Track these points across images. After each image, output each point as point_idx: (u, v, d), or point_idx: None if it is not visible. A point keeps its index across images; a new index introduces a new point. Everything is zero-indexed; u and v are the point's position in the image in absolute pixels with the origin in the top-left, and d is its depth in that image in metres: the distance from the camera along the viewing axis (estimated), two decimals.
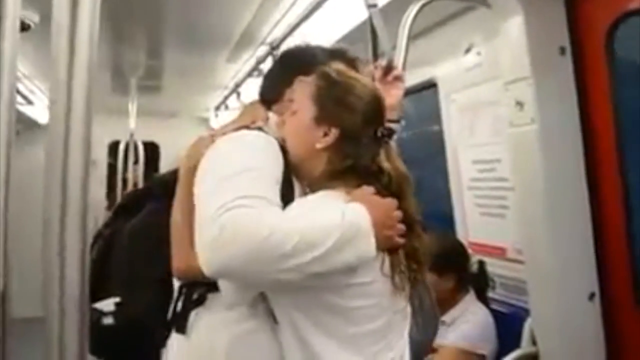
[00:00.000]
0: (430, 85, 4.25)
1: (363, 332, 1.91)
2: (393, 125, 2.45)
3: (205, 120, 9.13)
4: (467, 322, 3.71)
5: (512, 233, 3.57)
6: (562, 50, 2.82)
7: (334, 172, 1.97)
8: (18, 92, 6.61)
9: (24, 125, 7.85)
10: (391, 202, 1.92)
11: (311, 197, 1.98)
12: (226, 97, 7.17)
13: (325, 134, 1.97)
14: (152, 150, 9.14)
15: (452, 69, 3.99)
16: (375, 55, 2.74)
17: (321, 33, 2.36)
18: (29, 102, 7.11)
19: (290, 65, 2.30)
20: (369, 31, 2.75)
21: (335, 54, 2.32)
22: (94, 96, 1.24)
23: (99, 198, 9.01)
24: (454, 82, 4.01)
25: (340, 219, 1.76)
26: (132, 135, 7.89)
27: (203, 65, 6.15)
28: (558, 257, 2.87)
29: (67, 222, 1.19)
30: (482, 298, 3.92)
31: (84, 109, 1.23)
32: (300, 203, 1.93)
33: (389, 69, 2.50)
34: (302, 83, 2.10)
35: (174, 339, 2.11)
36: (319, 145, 1.97)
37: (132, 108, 7.38)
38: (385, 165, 1.98)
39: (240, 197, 1.71)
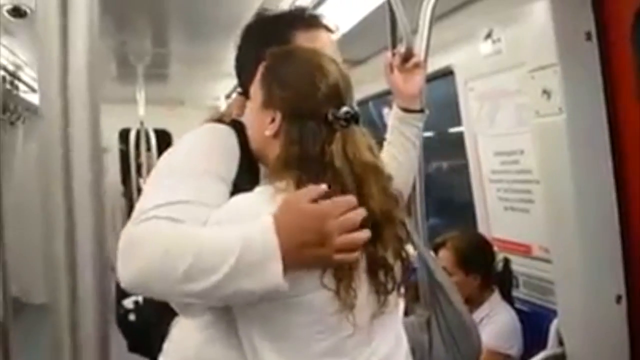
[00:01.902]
0: (446, 73, 4.10)
1: (309, 353, 1.70)
2: (417, 116, 2.34)
3: (215, 109, 8.86)
4: (494, 323, 3.60)
5: (538, 229, 3.41)
6: (588, 36, 2.65)
7: (285, 161, 1.74)
8: (20, 80, 6.68)
9: (30, 113, 7.83)
10: (332, 208, 1.62)
11: (239, 198, 1.76)
12: (237, 86, 6.93)
13: (272, 120, 1.79)
14: (164, 137, 9.03)
15: (470, 56, 3.84)
16: (394, 41, 2.55)
17: (336, 18, 2.24)
18: (33, 90, 7.07)
19: (252, 45, 2.12)
20: (387, 16, 2.56)
21: (294, 21, 2.11)
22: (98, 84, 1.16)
23: (115, 185, 9.34)
24: (472, 70, 3.87)
25: (239, 239, 1.56)
26: (142, 123, 7.84)
27: (211, 52, 5.97)
28: (585, 256, 2.74)
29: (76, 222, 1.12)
30: (507, 297, 3.79)
31: (87, 101, 1.16)
32: (223, 208, 1.72)
33: (408, 55, 2.36)
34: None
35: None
36: (267, 132, 1.79)
37: (140, 96, 7.29)
38: (337, 153, 1.71)
39: (159, 205, 1.61)
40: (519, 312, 3.69)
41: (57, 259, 1.10)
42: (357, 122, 1.77)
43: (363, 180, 1.72)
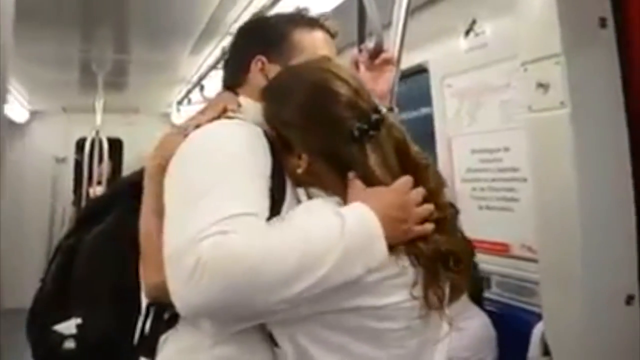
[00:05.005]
0: (419, 71, 3.89)
1: (388, 357, 1.52)
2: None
3: (167, 116, 8.87)
4: (461, 330, 3.12)
5: (520, 228, 3.21)
6: (603, 22, 2.40)
7: (332, 190, 1.61)
8: None
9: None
10: (402, 184, 1.55)
11: (304, 208, 1.59)
12: (189, 91, 6.82)
13: (299, 157, 1.62)
14: (116, 146, 8.99)
15: (448, 51, 3.65)
16: (362, 36, 2.28)
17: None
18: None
19: (249, 41, 1.95)
20: (355, 9, 2.30)
21: (294, 19, 1.96)
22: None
23: (68, 193, 9.20)
24: (450, 66, 3.67)
25: (340, 228, 1.41)
26: (97, 132, 7.62)
27: (167, 58, 5.88)
28: (589, 255, 2.42)
29: None
30: (477, 301, 3.48)
31: None
32: (292, 215, 1.55)
33: (377, 51, 2.10)
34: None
35: None
36: (299, 171, 1.62)
37: (99, 105, 7.08)
38: (376, 166, 1.56)
39: (220, 219, 1.37)
40: (491, 315, 3.39)
41: None
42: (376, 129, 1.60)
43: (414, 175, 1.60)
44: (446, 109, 3.72)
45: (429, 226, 1.54)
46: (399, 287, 1.48)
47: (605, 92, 2.40)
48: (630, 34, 2.39)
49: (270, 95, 1.68)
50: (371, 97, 1.64)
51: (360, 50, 2.17)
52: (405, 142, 1.62)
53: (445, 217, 1.60)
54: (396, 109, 2.13)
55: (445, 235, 1.58)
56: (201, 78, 5.78)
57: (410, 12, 2.30)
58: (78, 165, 8.89)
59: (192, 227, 1.37)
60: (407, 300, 1.49)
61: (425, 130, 3.94)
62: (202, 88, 5.85)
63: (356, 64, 2.12)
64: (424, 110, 4.05)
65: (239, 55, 1.94)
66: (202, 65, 5.76)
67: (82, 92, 7.38)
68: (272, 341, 1.57)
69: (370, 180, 1.55)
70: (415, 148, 1.64)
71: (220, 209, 1.39)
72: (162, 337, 1.67)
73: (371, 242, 1.44)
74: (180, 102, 7.47)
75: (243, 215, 1.40)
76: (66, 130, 9.20)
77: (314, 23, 1.94)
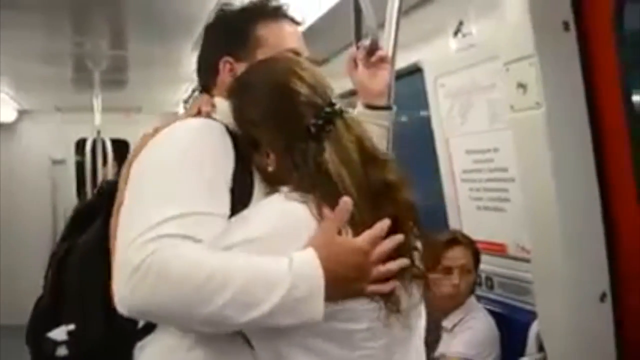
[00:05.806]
0: (414, 71, 4.00)
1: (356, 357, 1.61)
2: (383, 114, 2.22)
3: (174, 115, 8.68)
4: (469, 329, 3.47)
5: (514, 228, 3.35)
6: (566, 26, 2.55)
7: (296, 188, 1.66)
8: None
9: None
10: (367, 242, 1.57)
11: (265, 208, 1.65)
12: (195, 89, 6.73)
13: (268, 155, 1.71)
14: (121, 147, 8.84)
15: (440, 51, 3.75)
16: (359, 36, 2.41)
17: (298, 11, 2.16)
18: None
19: (214, 42, 2.04)
20: (351, 8, 2.42)
21: (256, 12, 2.02)
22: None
23: (70, 196, 9.17)
24: (443, 66, 3.78)
25: (286, 276, 1.47)
26: (98, 132, 7.60)
27: (169, 54, 5.90)
28: (567, 253, 2.62)
29: None
30: None
31: None
32: (249, 220, 1.61)
33: (373, 49, 2.24)
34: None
35: None
36: (270, 169, 1.71)
37: (97, 104, 7.08)
38: (331, 161, 1.63)
39: (169, 218, 1.48)
40: (495, 315, 3.58)
41: None
42: (341, 113, 1.69)
43: (368, 174, 1.65)
44: (441, 110, 3.84)
45: (389, 286, 1.58)
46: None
47: (572, 92, 2.56)
48: (588, 37, 2.56)
49: (234, 95, 1.78)
50: (327, 93, 1.71)
51: (357, 48, 2.29)
52: (364, 136, 1.70)
53: (403, 214, 1.65)
54: (394, 108, 2.25)
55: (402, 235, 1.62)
56: None
57: (405, 11, 2.40)
58: (80, 166, 8.95)
59: (139, 224, 1.47)
60: (366, 302, 1.57)
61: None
62: None
63: (354, 62, 2.25)
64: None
65: (207, 58, 2.03)
66: None
67: (77, 90, 7.36)
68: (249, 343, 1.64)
69: (326, 176, 1.61)
70: (373, 143, 1.72)
71: (168, 206, 1.49)
72: (138, 344, 1.77)
73: (309, 300, 1.48)
74: (186, 101, 7.49)
75: (191, 215, 1.50)
76: (61, 130, 9.21)
77: (276, 13, 2.01)
